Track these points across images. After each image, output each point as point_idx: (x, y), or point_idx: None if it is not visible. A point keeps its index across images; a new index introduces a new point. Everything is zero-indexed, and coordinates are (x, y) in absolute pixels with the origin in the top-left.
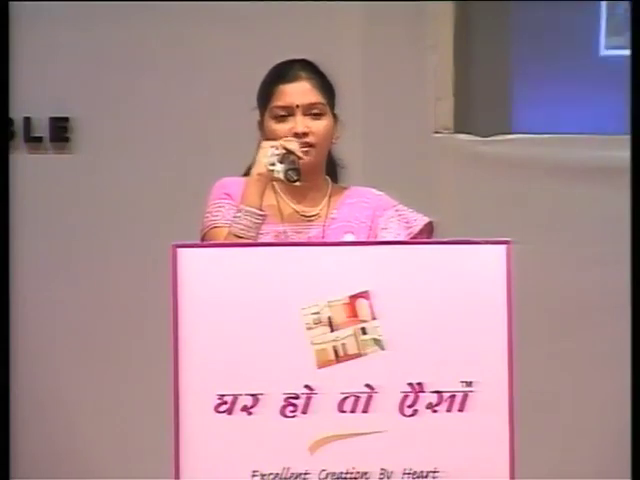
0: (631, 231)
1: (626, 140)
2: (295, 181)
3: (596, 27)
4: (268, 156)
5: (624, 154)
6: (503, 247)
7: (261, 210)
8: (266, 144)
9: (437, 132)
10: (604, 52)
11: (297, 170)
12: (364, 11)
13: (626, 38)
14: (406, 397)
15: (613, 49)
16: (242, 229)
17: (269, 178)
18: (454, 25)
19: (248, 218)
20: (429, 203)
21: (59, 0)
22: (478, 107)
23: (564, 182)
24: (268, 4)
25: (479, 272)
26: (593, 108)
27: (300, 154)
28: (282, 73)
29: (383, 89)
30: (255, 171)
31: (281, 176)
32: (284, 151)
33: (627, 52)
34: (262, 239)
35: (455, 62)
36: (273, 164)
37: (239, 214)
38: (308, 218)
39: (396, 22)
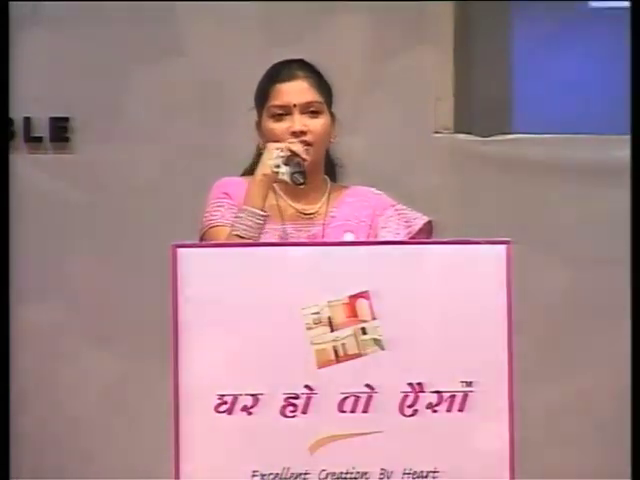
0: (631, 231)
1: (626, 140)
2: (301, 184)
3: None
4: (273, 158)
5: (624, 154)
6: (503, 247)
7: (264, 211)
8: (271, 146)
9: (437, 132)
10: (593, 4)
11: (303, 173)
12: (364, 11)
13: None
14: (406, 397)
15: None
16: (245, 229)
17: (273, 179)
18: (454, 25)
19: (251, 219)
20: (429, 203)
21: (59, 0)
22: (478, 107)
23: (564, 182)
24: (268, 4)
25: (479, 272)
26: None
27: (305, 156)
28: (279, 73)
29: (383, 89)
30: (260, 172)
31: (286, 178)
32: (289, 153)
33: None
34: (263, 238)
35: (455, 62)
36: (278, 166)
37: (242, 214)
38: (308, 216)
39: (396, 22)
